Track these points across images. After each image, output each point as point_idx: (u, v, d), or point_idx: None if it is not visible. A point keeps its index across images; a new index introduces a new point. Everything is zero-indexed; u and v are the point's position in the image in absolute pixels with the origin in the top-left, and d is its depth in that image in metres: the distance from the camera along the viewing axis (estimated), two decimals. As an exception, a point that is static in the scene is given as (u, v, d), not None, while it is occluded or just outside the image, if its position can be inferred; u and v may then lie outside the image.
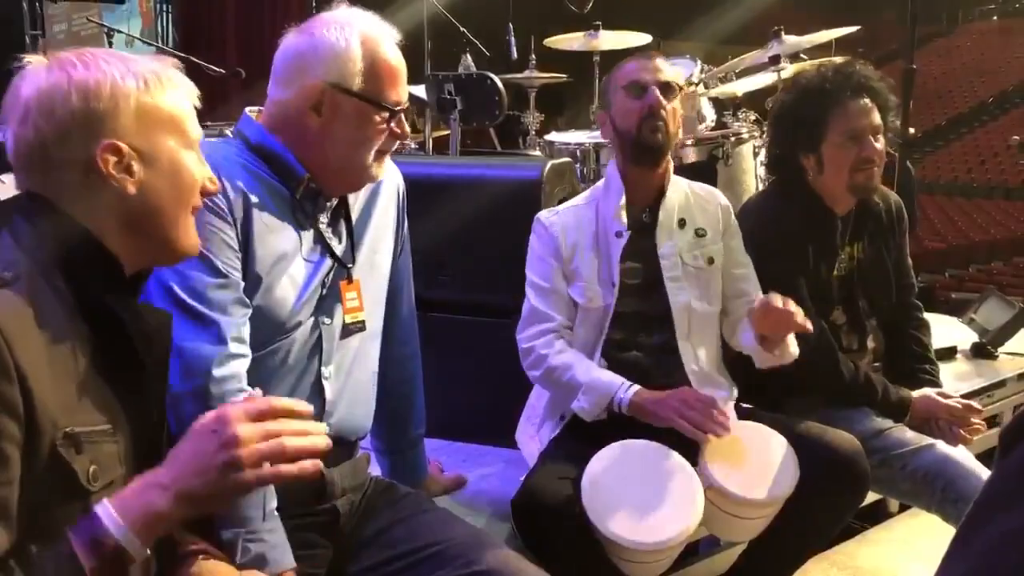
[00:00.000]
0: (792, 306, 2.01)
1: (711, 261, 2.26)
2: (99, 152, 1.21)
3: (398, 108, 1.76)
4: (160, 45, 8.39)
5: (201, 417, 1.17)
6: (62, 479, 1.13)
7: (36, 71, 1.23)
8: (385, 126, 1.75)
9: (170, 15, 9.65)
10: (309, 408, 1.21)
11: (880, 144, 2.42)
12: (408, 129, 1.85)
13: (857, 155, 2.40)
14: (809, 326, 2.03)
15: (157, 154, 1.26)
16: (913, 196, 5.78)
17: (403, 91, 1.79)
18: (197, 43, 8.85)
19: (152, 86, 1.26)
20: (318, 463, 1.18)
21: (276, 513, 1.60)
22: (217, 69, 5.14)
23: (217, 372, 1.58)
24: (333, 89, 1.71)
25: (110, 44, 5.64)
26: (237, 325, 1.63)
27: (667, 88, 2.19)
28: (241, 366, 1.62)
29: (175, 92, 1.29)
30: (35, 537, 1.10)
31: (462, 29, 4.99)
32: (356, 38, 1.71)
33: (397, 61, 1.77)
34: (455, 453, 2.55)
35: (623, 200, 2.23)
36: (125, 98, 1.23)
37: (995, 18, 26.50)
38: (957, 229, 16.45)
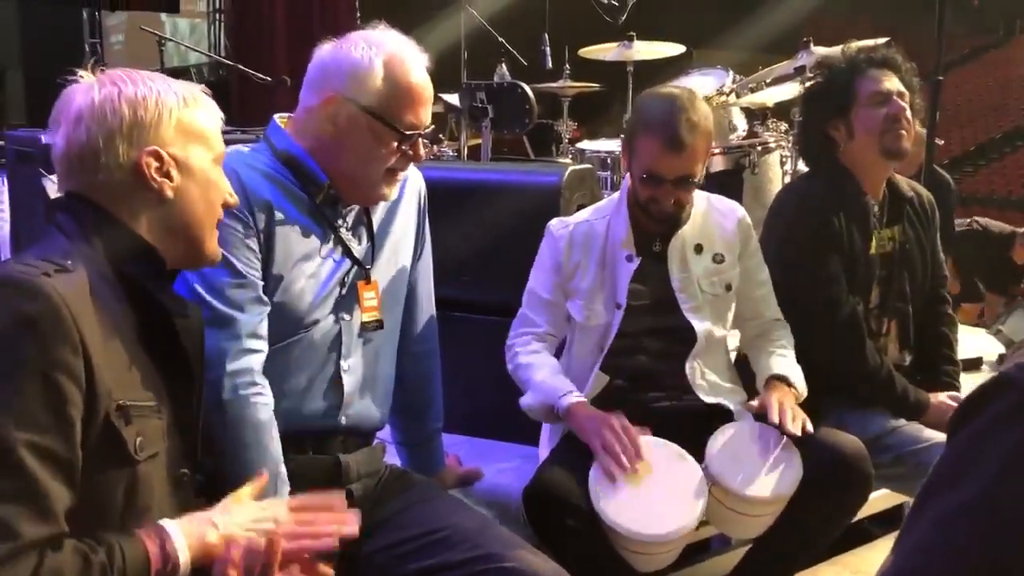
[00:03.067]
0: (786, 420, 2.06)
1: (728, 288, 2.29)
2: (143, 156, 1.35)
3: (411, 132, 1.82)
4: (212, 54, 8.62)
5: (257, 486, 1.43)
6: (113, 447, 1.26)
7: (88, 85, 1.38)
8: (396, 147, 1.82)
9: (221, 24, 9.89)
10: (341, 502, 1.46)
11: (907, 109, 2.48)
12: (423, 153, 1.90)
13: (885, 115, 2.46)
14: (798, 432, 2.06)
15: (192, 165, 1.40)
16: (951, 210, 5.74)
17: (423, 115, 1.84)
18: (248, 52, 9.08)
19: (189, 103, 1.41)
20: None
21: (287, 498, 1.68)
22: (264, 77, 5.31)
23: (231, 366, 1.70)
24: (349, 103, 1.79)
25: (162, 53, 5.84)
26: (253, 322, 1.74)
27: (682, 181, 2.17)
28: (255, 360, 1.73)
29: (206, 110, 1.45)
30: (88, 501, 1.23)
31: (500, 39, 5.09)
32: (380, 59, 1.79)
33: (420, 87, 1.83)
34: (473, 448, 2.62)
35: (629, 227, 2.25)
36: (167, 110, 1.38)
37: (1054, 29, 25.83)
38: (1011, 243, 16.07)
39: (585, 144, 4.32)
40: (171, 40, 6.13)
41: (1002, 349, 3.57)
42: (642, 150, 2.18)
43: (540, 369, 2.21)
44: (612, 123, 4.79)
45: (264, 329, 1.77)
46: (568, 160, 4.33)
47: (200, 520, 1.30)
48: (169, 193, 1.38)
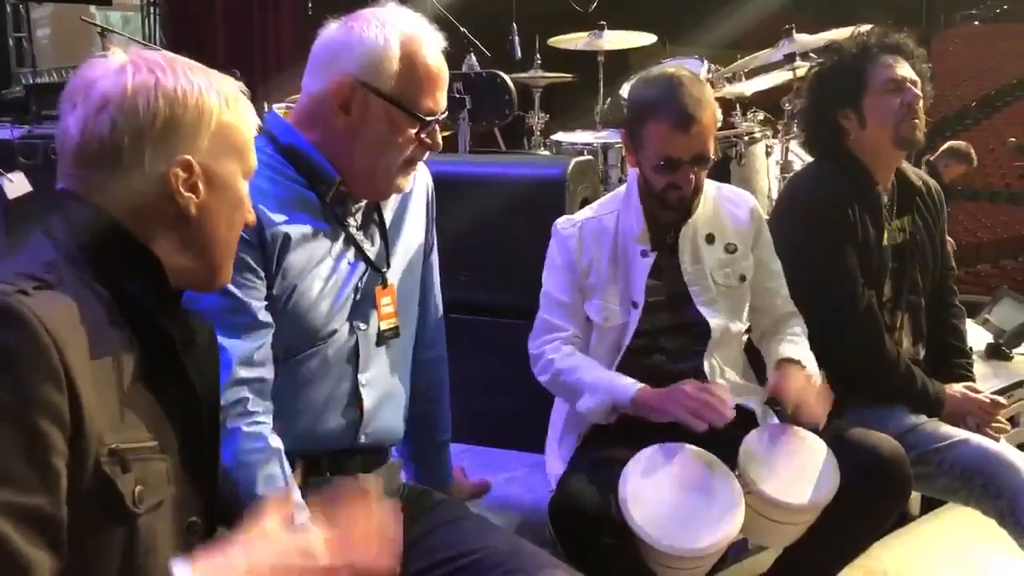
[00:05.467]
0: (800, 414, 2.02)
1: (742, 279, 2.20)
2: (173, 166, 1.16)
3: (431, 118, 1.68)
4: (153, 46, 8.30)
5: (284, 525, 1.15)
6: (106, 500, 1.07)
7: (118, 65, 1.17)
8: (415, 135, 1.68)
9: (156, 17, 9.54)
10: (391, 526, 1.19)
11: (921, 98, 2.40)
12: (440, 140, 1.76)
13: (901, 103, 2.38)
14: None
15: (222, 179, 1.22)
16: None
17: (441, 100, 1.71)
18: (185, 42, 8.75)
19: (231, 105, 1.22)
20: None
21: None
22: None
23: (222, 398, 1.50)
24: (364, 88, 1.64)
25: (103, 46, 5.56)
26: (249, 349, 1.59)
27: (699, 160, 2.07)
28: (248, 389, 1.59)
29: (246, 117, 1.25)
30: (78, 563, 1.03)
31: (462, 30, 4.93)
32: (396, 38, 1.64)
33: (437, 68, 1.69)
34: (476, 458, 2.50)
35: (643, 221, 2.16)
36: (208, 114, 1.19)
37: (976, 23, 26.66)
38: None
39: (561, 136, 4.20)
40: (113, 31, 5.82)
41: (990, 338, 3.55)
42: (651, 136, 2.07)
43: (587, 369, 2.09)
44: (583, 115, 4.67)
45: (263, 354, 1.61)
46: (545, 152, 4.21)
47: (219, 565, 1.08)
48: (193, 210, 1.19)
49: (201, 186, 1.19)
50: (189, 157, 1.17)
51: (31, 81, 5.91)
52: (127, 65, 1.16)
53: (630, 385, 2.04)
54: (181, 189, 1.17)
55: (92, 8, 9.08)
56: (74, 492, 1.02)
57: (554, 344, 2.14)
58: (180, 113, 1.16)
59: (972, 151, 7.24)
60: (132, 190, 1.16)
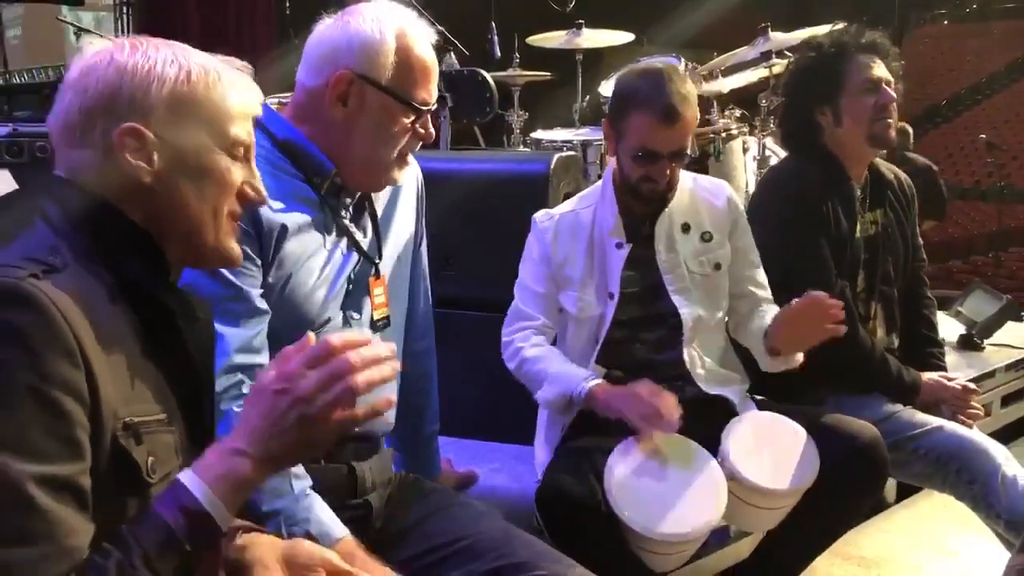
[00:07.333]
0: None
1: (718, 267, 2.24)
2: (119, 133, 1.16)
3: (425, 108, 1.74)
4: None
5: (260, 377, 1.15)
6: (123, 471, 1.11)
7: (93, 53, 1.21)
8: (409, 125, 1.73)
9: (130, 18, 9.47)
10: (367, 338, 1.17)
11: (895, 98, 2.46)
12: (432, 131, 1.81)
13: (876, 103, 2.44)
14: (842, 329, 2.05)
15: (183, 148, 1.19)
16: (942, 188, 6.05)
17: (433, 91, 1.76)
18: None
19: (196, 78, 1.20)
20: (391, 398, 1.16)
21: (311, 492, 1.59)
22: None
23: (218, 384, 1.56)
24: (362, 80, 1.68)
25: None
26: (247, 336, 1.62)
27: (677, 155, 2.11)
28: (244, 375, 1.62)
29: (224, 91, 1.23)
30: (98, 533, 1.07)
31: (441, 28, 4.95)
32: (391, 32, 1.69)
33: (430, 60, 1.74)
34: (462, 450, 2.51)
35: (617, 214, 2.20)
36: (159, 83, 1.18)
37: (946, 22, 26.95)
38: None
39: (540, 133, 4.24)
40: (89, 31, 5.79)
41: (962, 330, 3.62)
42: (633, 127, 2.11)
43: (551, 360, 2.14)
44: (562, 113, 4.71)
45: (261, 341, 1.65)
46: (525, 150, 4.25)
47: (224, 452, 1.11)
48: (146, 179, 1.17)
49: (156, 155, 1.17)
50: (136, 124, 1.16)
51: (1, 82, 5.85)
52: (100, 50, 1.20)
53: (586, 379, 2.07)
54: (129, 157, 1.16)
55: (64, 8, 9.02)
56: (95, 465, 1.07)
57: (524, 333, 2.19)
58: (127, 82, 1.17)
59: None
60: (97, 165, 1.18)
